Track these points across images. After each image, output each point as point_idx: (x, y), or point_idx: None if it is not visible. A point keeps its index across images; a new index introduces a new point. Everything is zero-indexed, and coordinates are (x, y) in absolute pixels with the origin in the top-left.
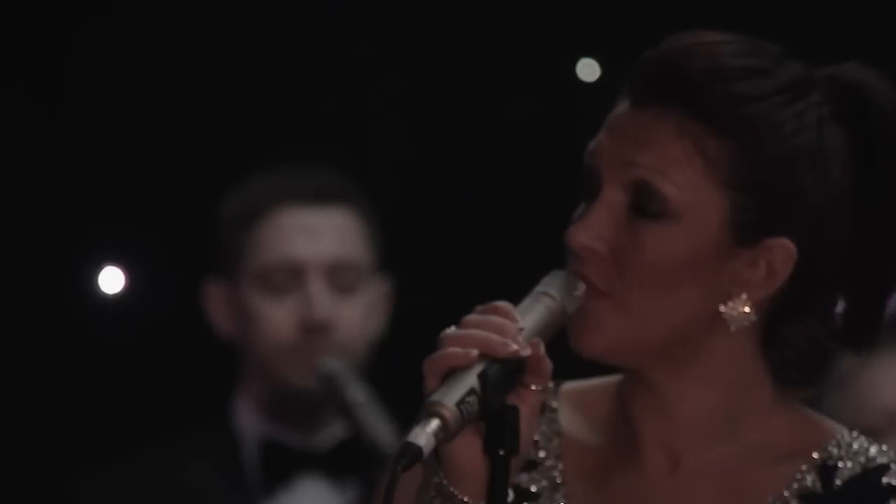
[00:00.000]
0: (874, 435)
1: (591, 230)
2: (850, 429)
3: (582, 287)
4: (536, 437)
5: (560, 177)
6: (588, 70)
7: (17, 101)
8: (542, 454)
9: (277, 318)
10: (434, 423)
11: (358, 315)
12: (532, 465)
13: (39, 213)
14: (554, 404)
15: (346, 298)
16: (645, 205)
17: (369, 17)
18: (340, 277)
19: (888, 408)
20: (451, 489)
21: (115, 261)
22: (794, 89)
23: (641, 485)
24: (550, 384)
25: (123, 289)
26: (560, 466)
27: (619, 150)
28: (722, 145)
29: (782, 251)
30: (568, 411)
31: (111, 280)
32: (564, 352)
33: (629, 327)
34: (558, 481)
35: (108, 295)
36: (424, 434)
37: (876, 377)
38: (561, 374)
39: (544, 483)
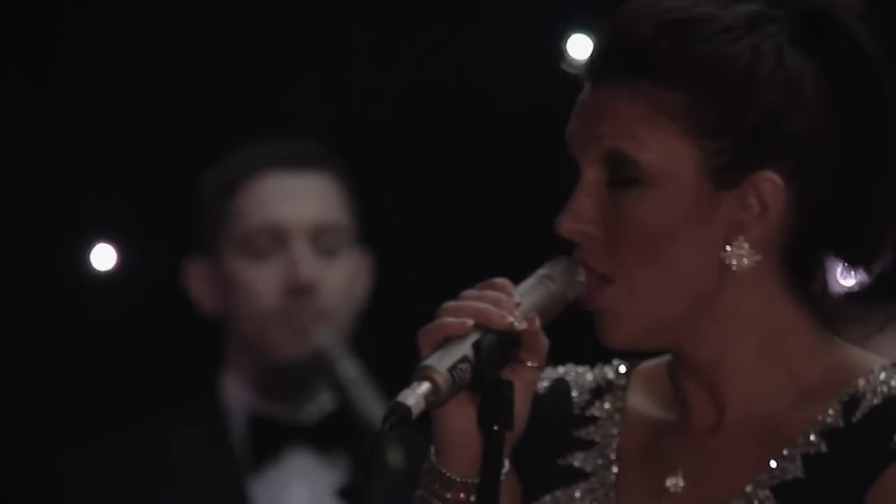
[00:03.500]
0: None
1: (576, 214)
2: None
3: (583, 273)
4: (598, 414)
5: (555, 147)
6: (579, 46)
7: (8, 78)
8: (600, 432)
9: (262, 283)
10: (424, 386)
11: (342, 279)
12: (589, 445)
13: (31, 190)
14: (622, 382)
15: (329, 262)
16: (619, 173)
17: None
18: (323, 241)
19: None
20: (441, 469)
21: (108, 238)
22: (744, 26)
23: (685, 447)
24: (622, 367)
25: (115, 266)
26: (615, 444)
27: (585, 130)
28: (676, 97)
29: (768, 184)
30: (638, 389)
31: (103, 257)
32: (578, 334)
33: (642, 310)
34: (612, 457)
35: (100, 272)
36: (414, 395)
37: (874, 348)
38: (576, 358)
39: (599, 461)
